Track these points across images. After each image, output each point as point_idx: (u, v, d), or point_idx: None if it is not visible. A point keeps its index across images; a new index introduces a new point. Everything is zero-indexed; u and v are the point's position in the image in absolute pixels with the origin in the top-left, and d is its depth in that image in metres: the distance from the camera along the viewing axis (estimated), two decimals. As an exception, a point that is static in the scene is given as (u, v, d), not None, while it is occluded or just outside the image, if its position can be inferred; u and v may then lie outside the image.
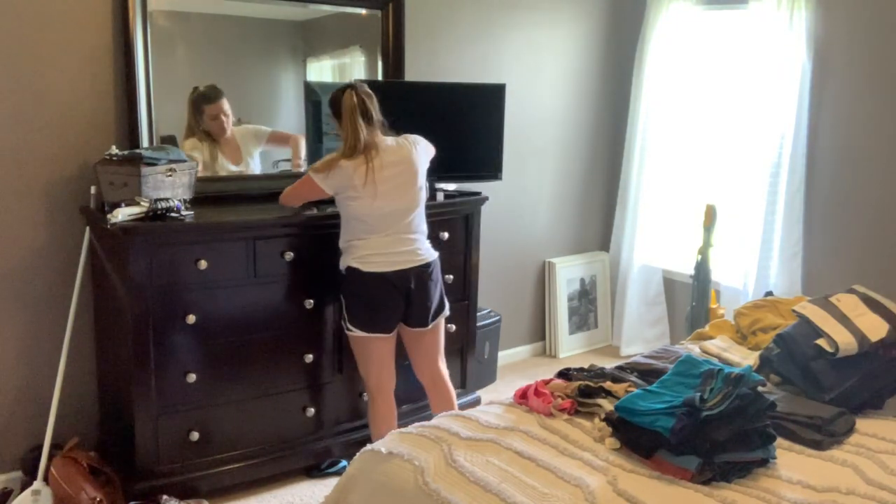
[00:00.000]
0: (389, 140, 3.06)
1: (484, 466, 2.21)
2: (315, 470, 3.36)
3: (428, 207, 3.55)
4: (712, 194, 4.41)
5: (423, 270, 3.08)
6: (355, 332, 3.07)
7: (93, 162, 3.00)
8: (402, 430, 2.49)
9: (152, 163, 2.90)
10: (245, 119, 3.56)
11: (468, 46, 4.19)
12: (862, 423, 2.55)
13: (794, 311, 2.91)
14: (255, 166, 3.56)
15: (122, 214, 2.78)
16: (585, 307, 4.96)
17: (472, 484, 2.13)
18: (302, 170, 3.55)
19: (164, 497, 2.89)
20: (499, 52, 4.32)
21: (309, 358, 3.23)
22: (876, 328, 2.74)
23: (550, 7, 4.50)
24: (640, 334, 4.79)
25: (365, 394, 3.31)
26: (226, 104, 3.40)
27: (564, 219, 4.85)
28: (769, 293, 3.58)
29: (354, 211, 3.00)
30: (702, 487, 2.11)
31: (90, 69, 3.10)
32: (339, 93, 3.02)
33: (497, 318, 4.29)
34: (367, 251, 3.01)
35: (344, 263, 3.07)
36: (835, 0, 3.90)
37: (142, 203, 2.84)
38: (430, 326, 3.18)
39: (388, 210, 3.01)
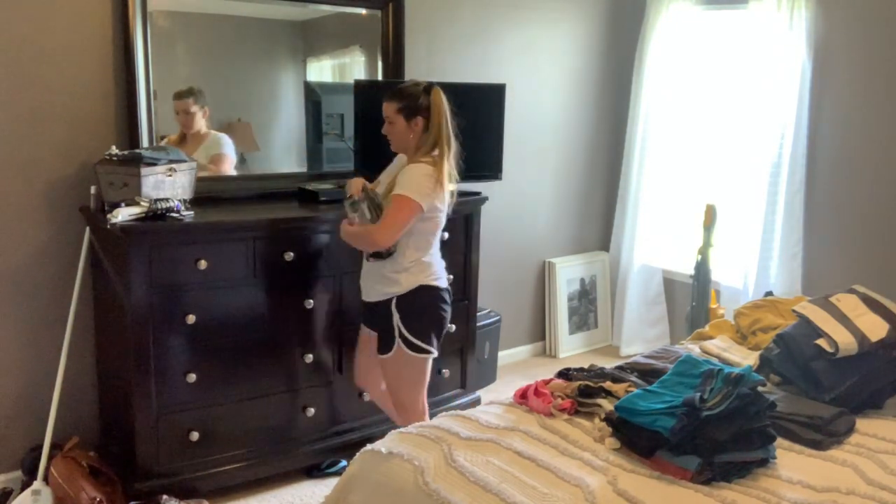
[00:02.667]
0: None
1: (484, 466, 2.21)
2: (315, 470, 3.36)
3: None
4: (712, 194, 4.41)
5: None
6: (433, 354, 2.92)
7: (93, 162, 3.00)
8: (402, 430, 2.49)
9: (152, 163, 2.90)
10: (245, 119, 3.56)
11: (468, 46, 4.19)
12: (862, 423, 2.55)
13: (794, 311, 2.91)
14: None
15: (122, 214, 2.78)
16: (585, 307, 4.96)
17: (472, 484, 2.13)
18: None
19: (164, 497, 2.88)
20: (499, 52, 4.31)
21: (309, 358, 3.23)
22: (876, 328, 2.74)
23: (550, 7, 4.50)
24: (640, 334, 4.79)
25: (404, 417, 3.00)
26: (192, 105, 3.35)
27: (564, 219, 4.85)
28: (769, 293, 3.58)
29: (434, 226, 2.88)
30: (702, 487, 2.11)
31: (90, 69, 3.10)
32: (423, 91, 2.84)
33: (497, 318, 4.29)
34: (437, 266, 2.93)
35: (413, 282, 2.85)
36: (835, 0, 3.90)
37: (142, 203, 2.84)
38: None
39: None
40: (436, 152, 2.83)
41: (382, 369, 3.00)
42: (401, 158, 2.99)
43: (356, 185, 2.89)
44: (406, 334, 2.86)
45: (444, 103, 2.85)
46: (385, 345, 2.92)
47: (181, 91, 3.34)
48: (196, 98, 3.35)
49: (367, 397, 3.44)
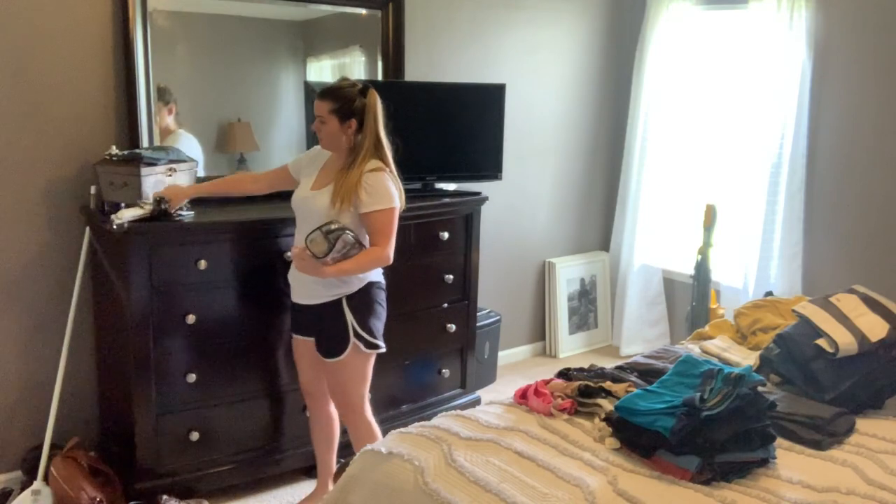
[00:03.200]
0: None
1: (484, 466, 2.21)
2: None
3: (428, 207, 3.57)
4: (712, 194, 4.41)
5: None
6: (382, 349, 2.89)
7: (93, 162, 3.00)
8: (402, 430, 2.49)
9: (152, 163, 2.90)
10: (245, 119, 3.56)
11: (468, 46, 4.19)
12: (862, 423, 2.55)
13: (794, 311, 2.91)
14: None
15: (126, 216, 2.76)
16: (585, 307, 4.96)
17: (471, 484, 2.13)
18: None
19: (164, 497, 2.89)
20: (499, 52, 4.32)
21: (309, 358, 3.23)
22: (876, 328, 2.74)
23: (550, 7, 4.50)
24: (640, 334, 4.79)
25: (354, 417, 2.92)
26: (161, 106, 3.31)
27: (564, 219, 4.85)
28: (769, 293, 3.58)
29: None
30: (702, 487, 2.11)
31: (90, 69, 3.10)
32: (359, 93, 2.78)
33: (497, 318, 4.29)
34: None
35: (363, 280, 2.81)
36: (835, 0, 3.90)
37: (143, 206, 2.82)
38: None
39: None
40: (379, 155, 2.79)
41: (329, 374, 2.88)
42: (321, 152, 2.91)
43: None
44: (361, 332, 2.79)
45: (378, 105, 2.79)
46: (335, 347, 2.80)
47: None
48: (160, 95, 3.29)
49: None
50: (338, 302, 2.78)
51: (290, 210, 3.24)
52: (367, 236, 2.78)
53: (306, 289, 2.83)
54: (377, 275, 2.87)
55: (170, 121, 3.35)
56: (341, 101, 2.76)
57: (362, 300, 2.81)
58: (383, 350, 2.89)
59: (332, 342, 2.81)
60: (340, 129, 2.78)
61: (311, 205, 2.80)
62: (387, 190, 2.75)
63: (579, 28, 4.67)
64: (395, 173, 2.83)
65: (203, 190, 3.04)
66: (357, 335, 2.79)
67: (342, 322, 2.78)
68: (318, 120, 2.79)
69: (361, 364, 2.86)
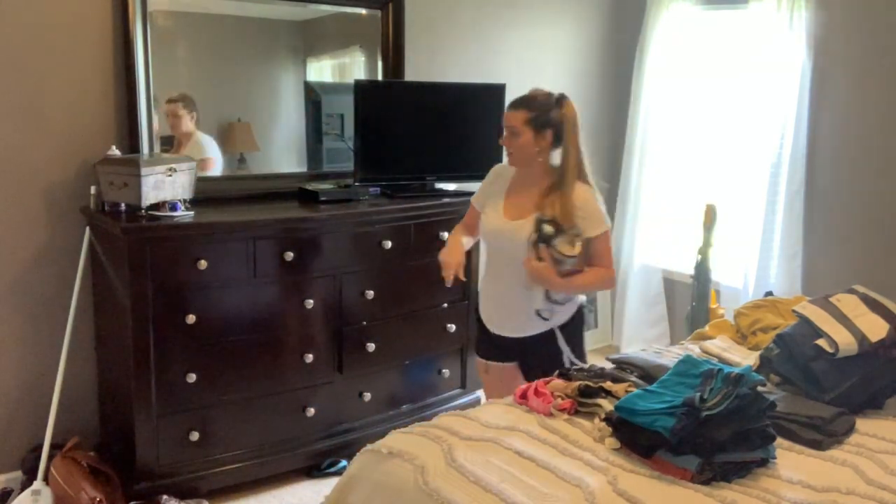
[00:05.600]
0: None
1: (484, 466, 2.21)
2: (315, 470, 3.36)
3: (428, 207, 3.57)
4: (712, 194, 4.40)
5: None
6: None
7: (93, 162, 3.00)
8: (402, 430, 2.49)
9: (152, 162, 2.91)
10: (245, 119, 3.56)
11: (468, 46, 4.19)
12: (862, 423, 2.54)
13: (794, 311, 2.91)
14: None
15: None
16: (585, 307, 4.95)
17: (472, 484, 2.13)
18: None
19: (164, 497, 2.89)
20: (499, 51, 4.31)
21: (309, 358, 3.23)
22: (876, 328, 2.73)
23: (550, 7, 4.50)
24: (640, 334, 4.79)
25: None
26: (180, 108, 3.35)
27: (564, 219, 4.85)
28: (769, 293, 3.57)
29: None
30: (702, 487, 2.11)
31: (90, 69, 3.10)
32: (554, 101, 2.65)
33: (497, 318, 4.28)
34: None
35: (572, 308, 2.73)
36: (835, 0, 3.90)
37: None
38: None
39: None
40: (581, 173, 2.63)
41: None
42: (507, 169, 2.76)
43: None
44: (576, 361, 2.71)
45: (577, 117, 2.64)
46: (545, 373, 2.64)
47: (172, 97, 3.35)
48: (184, 103, 3.36)
49: (367, 398, 3.44)
50: (550, 333, 2.70)
51: (289, 210, 3.25)
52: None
53: (513, 322, 2.72)
54: (578, 298, 2.78)
55: (191, 125, 3.40)
56: (537, 110, 2.63)
57: (577, 328, 2.74)
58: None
59: (542, 369, 2.65)
60: (534, 141, 2.63)
61: (514, 237, 2.63)
62: (599, 212, 2.64)
63: (579, 28, 4.67)
64: (596, 189, 2.69)
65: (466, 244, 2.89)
66: (571, 363, 2.70)
67: (555, 353, 2.70)
68: (508, 132, 2.65)
69: None
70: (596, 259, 2.65)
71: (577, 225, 2.59)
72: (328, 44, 3.87)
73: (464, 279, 2.77)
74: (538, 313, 2.69)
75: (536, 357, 2.75)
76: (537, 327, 2.71)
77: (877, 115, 3.83)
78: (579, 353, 2.76)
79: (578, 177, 2.64)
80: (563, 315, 2.71)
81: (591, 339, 4.95)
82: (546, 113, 2.63)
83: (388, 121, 3.66)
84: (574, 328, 2.75)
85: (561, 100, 2.66)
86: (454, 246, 2.79)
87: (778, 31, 4.00)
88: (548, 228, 2.58)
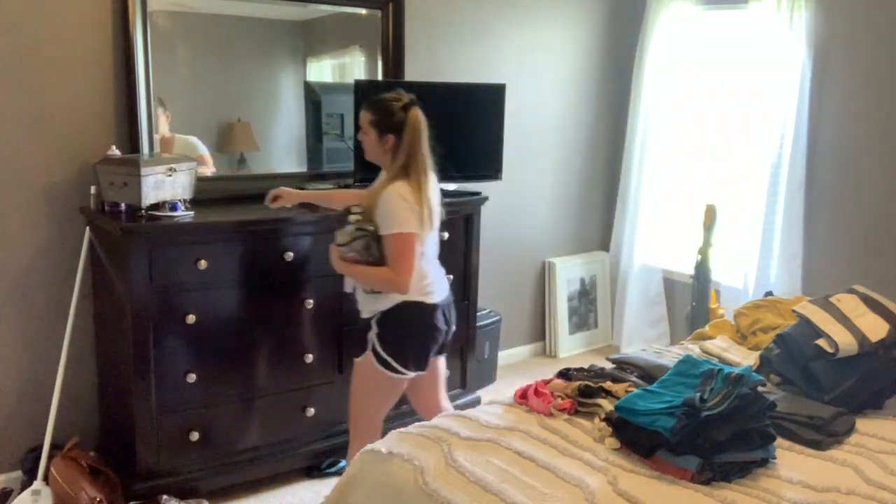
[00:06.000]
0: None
1: (484, 466, 2.21)
2: (315, 470, 3.36)
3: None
4: (712, 194, 4.41)
5: (452, 299, 2.93)
6: (404, 375, 2.77)
7: (93, 162, 3.00)
8: (402, 430, 2.49)
9: (152, 162, 2.91)
10: (245, 119, 3.56)
11: (468, 46, 4.19)
12: (862, 423, 2.55)
13: (794, 311, 2.91)
14: None
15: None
16: (585, 307, 4.96)
17: (471, 484, 2.13)
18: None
19: (164, 497, 2.89)
20: (499, 52, 4.32)
21: (309, 358, 3.23)
22: (876, 328, 2.74)
23: (550, 7, 4.50)
24: (640, 334, 4.79)
25: (354, 430, 2.88)
26: (160, 111, 3.31)
27: (564, 219, 4.85)
28: (769, 293, 3.58)
29: (419, 243, 2.72)
30: (702, 487, 2.11)
31: (90, 69, 3.10)
32: (401, 108, 2.70)
33: (497, 318, 4.29)
34: (428, 280, 2.77)
35: (396, 298, 2.71)
36: (835, 0, 3.90)
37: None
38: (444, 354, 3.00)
39: (434, 236, 2.82)
40: (407, 176, 2.68)
41: (352, 373, 2.87)
42: (384, 173, 2.83)
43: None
44: (379, 350, 2.73)
45: (421, 124, 2.70)
46: (360, 350, 2.81)
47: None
48: (163, 107, 3.31)
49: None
50: (373, 318, 2.77)
51: (289, 210, 3.24)
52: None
53: (361, 304, 2.82)
54: (417, 294, 2.72)
55: (165, 128, 3.35)
56: (380, 114, 2.71)
57: (390, 319, 2.73)
58: (405, 376, 2.78)
59: (360, 343, 2.81)
60: (378, 142, 2.72)
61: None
62: (395, 214, 2.62)
63: (579, 28, 4.67)
64: (428, 192, 2.69)
65: (316, 197, 3.17)
66: (374, 350, 2.74)
67: (367, 335, 2.77)
68: (361, 129, 2.77)
69: (373, 378, 2.78)
70: (386, 259, 2.66)
71: (375, 221, 2.66)
72: (328, 44, 3.87)
73: (287, 206, 3.03)
74: (355, 289, 2.82)
75: (360, 336, 2.81)
76: (370, 311, 2.77)
77: (877, 115, 3.83)
78: (387, 345, 2.72)
79: (407, 179, 2.66)
80: (385, 303, 2.72)
81: (591, 339, 4.97)
82: (389, 118, 2.70)
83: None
84: (391, 318, 2.72)
85: (408, 107, 2.71)
86: (308, 192, 3.13)
87: (778, 31, 4.01)
88: (351, 217, 2.70)
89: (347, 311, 3.32)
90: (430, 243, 2.79)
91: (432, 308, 2.77)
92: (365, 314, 2.80)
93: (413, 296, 2.72)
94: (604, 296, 5.03)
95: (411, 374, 2.79)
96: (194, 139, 3.42)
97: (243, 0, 3.47)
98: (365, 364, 2.78)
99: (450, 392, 3.77)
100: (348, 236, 2.67)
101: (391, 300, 2.72)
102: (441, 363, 3.01)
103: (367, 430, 2.83)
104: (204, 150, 3.43)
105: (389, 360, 2.74)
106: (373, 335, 2.75)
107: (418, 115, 2.71)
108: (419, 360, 2.80)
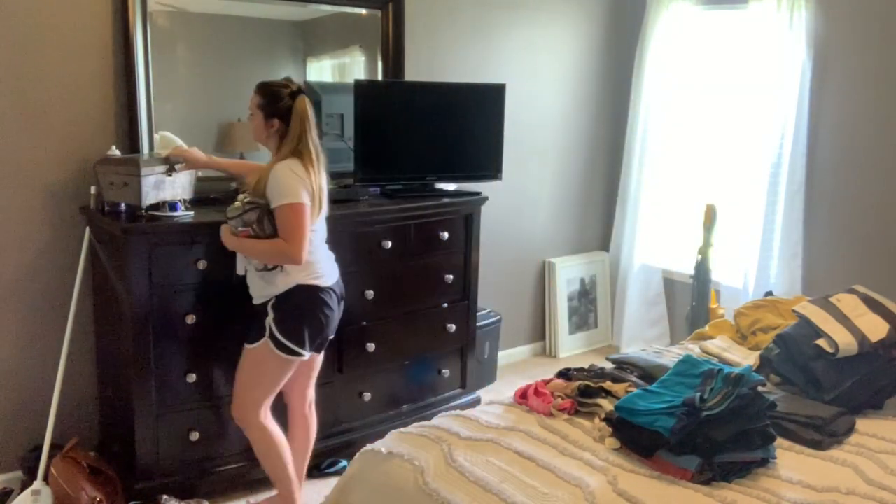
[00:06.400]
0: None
1: (484, 466, 2.22)
2: (315, 470, 3.36)
3: (428, 207, 3.57)
4: (712, 194, 4.41)
5: (342, 282, 2.93)
6: (302, 356, 2.76)
7: (93, 162, 3.00)
8: (402, 430, 2.49)
9: (152, 162, 2.91)
10: (245, 119, 3.55)
11: (468, 46, 4.19)
12: (862, 423, 2.55)
13: (794, 311, 2.91)
14: None
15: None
16: (585, 307, 4.96)
17: (471, 484, 2.13)
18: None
19: (164, 497, 2.89)
20: (499, 52, 4.32)
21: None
22: (876, 328, 2.74)
23: (550, 7, 4.50)
24: (640, 334, 4.79)
25: (245, 416, 2.85)
26: None
27: (564, 219, 4.86)
28: (769, 293, 3.58)
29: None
30: (702, 487, 2.11)
31: (90, 69, 3.10)
32: (287, 92, 2.74)
33: (497, 318, 4.29)
34: (319, 265, 2.78)
35: (290, 282, 2.72)
36: (835, 0, 3.90)
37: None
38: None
39: (323, 220, 2.83)
40: (303, 161, 2.69)
41: (242, 359, 2.82)
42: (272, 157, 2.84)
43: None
44: (277, 335, 2.71)
45: (307, 112, 2.72)
46: (254, 336, 2.76)
47: None
48: None
49: (367, 398, 3.45)
50: (267, 303, 2.75)
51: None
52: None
53: (253, 290, 2.82)
54: (309, 278, 2.74)
55: None
56: (267, 98, 2.76)
57: (286, 302, 2.73)
58: (303, 357, 2.77)
59: (252, 330, 2.78)
60: (264, 125, 2.77)
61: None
62: (285, 186, 2.63)
63: (579, 28, 4.67)
64: (315, 172, 2.70)
65: (219, 165, 3.09)
66: (272, 336, 2.72)
67: (264, 320, 2.74)
68: (250, 111, 2.81)
69: (268, 362, 2.76)
70: (278, 231, 2.67)
71: (267, 196, 2.67)
72: (328, 44, 3.87)
73: (177, 165, 2.91)
74: (247, 272, 2.80)
75: (257, 319, 2.77)
76: (262, 297, 2.77)
77: (877, 115, 3.83)
78: (285, 329, 2.71)
79: (300, 158, 2.69)
80: (278, 287, 2.72)
81: (591, 339, 4.97)
82: (276, 102, 2.73)
83: (388, 121, 3.66)
84: (286, 302, 2.72)
85: (295, 94, 2.74)
86: (216, 160, 3.07)
87: (778, 31, 4.01)
88: (240, 195, 2.74)
89: (347, 312, 3.32)
90: (318, 227, 2.79)
91: (326, 290, 2.78)
92: (257, 300, 2.79)
93: (305, 279, 2.73)
94: (604, 296, 5.03)
95: (307, 355, 2.79)
96: (168, 133, 3.38)
97: (243, 0, 3.47)
98: (258, 350, 2.76)
99: (450, 392, 3.79)
100: (238, 209, 2.69)
101: (284, 284, 2.72)
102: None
103: (258, 414, 2.82)
104: (179, 141, 3.40)
105: (289, 343, 2.72)
106: (270, 321, 2.72)
107: (305, 103, 2.74)
108: (314, 342, 2.80)
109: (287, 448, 2.90)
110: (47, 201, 3.08)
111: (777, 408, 2.43)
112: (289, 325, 2.73)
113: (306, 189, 2.66)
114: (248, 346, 2.80)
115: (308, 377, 3.00)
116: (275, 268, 2.73)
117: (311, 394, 3.05)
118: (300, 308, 2.76)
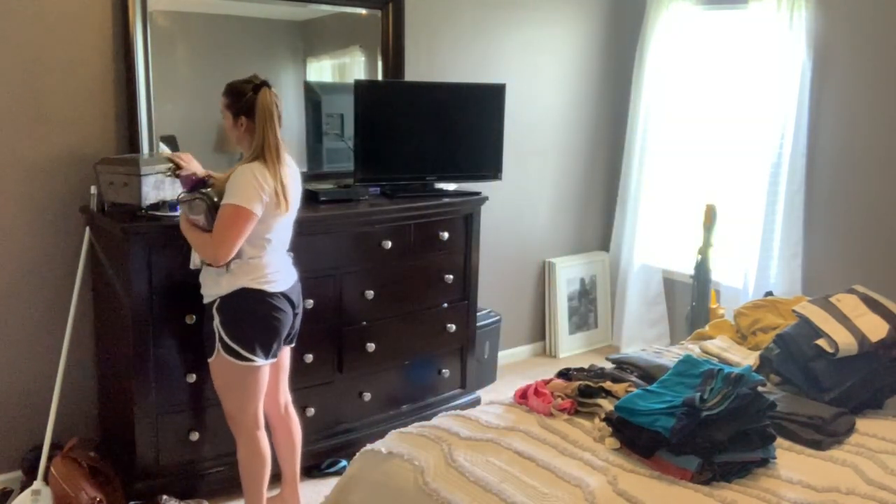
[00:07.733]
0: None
1: (484, 466, 2.22)
2: (315, 470, 3.36)
3: (428, 207, 3.57)
4: (712, 194, 4.41)
5: (300, 286, 2.88)
6: (255, 363, 2.68)
7: (93, 162, 3.00)
8: (402, 430, 2.49)
9: (153, 162, 2.91)
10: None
11: (468, 46, 4.19)
12: (862, 423, 2.55)
13: (794, 311, 2.91)
14: None
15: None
16: (585, 307, 4.96)
17: (471, 484, 2.13)
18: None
19: (164, 497, 2.89)
20: (499, 52, 4.32)
21: (309, 358, 3.23)
22: (876, 328, 2.74)
23: (550, 7, 4.50)
24: (640, 334, 4.79)
25: (234, 426, 2.82)
26: None
27: (564, 219, 4.86)
28: (769, 293, 3.58)
29: (265, 228, 2.65)
30: (702, 487, 2.11)
31: (90, 69, 3.10)
32: (249, 87, 2.66)
33: (497, 318, 4.29)
34: (270, 269, 2.70)
35: (234, 284, 2.64)
36: (835, 0, 3.90)
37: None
38: (293, 344, 2.95)
39: (287, 223, 2.77)
40: (268, 157, 2.63)
41: (211, 375, 2.78)
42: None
43: (185, 162, 2.78)
44: (226, 339, 2.65)
45: (270, 104, 2.65)
46: (209, 348, 2.71)
47: None
48: None
49: (367, 398, 3.45)
50: (212, 304, 2.69)
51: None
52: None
53: (203, 287, 2.75)
54: (255, 281, 2.66)
55: None
56: (232, 97, 2.69)
57: (230, 306, 2.66)
58: (257, 363, 2.69)
59: (206, 340, 2.73)
60: (233, 125, 2.71)
61: None
62: (239, 187, 2.56)
63: (579, 28, 4.67)
64: (278, 173, 2.64)
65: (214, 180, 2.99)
66: (221, 341, 2.66)
67: (212, 325, 2.68)
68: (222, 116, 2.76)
69: (229, 372, 2.71)
70: (213, 226, 2.61)
71: (225, 192, 2.62)
72: (328, 44, 3.87)
73: (181, 168, 2.82)
74: (200, 268, 2.76)
75: (205, 324, 2.72)
76: (207, 295, 2.71)
77: (877, 115, 3.83)
78: (232, 333, 2.65)
79: (265, 162, 2.63)
80: (222, 288, 2.66)
81: (591, 339, 4.97)
82: (239, 99, 2.67)
83: (388, 121, 3.66)
84: (231, 305, 2.65)
85: (258, 88, 2.66)
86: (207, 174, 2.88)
87: (778, 31, 4.01)
88: (205, 188, 2.70)
89: (347, 312, 3.33)
90: (279, 228, 2.72)
91: (274, 296, 2.70)
92: (206, 298, 2.73)
93: (251, 283, 2.66)
94: (604, 296, 5.03)
95: (261, 362, 2.70)
96: (167, 149, 3.37)
97: (243, 0, 3.47)
98: (216, 363, 2.71)
99: (450, 392, 3.79)
100: (190, 196, 2.67)
101: (229, 285, 2.65)
102: (286, 354, 2.95)
103: (247, 424, 2.77)
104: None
105: (236, 347, 2.65)
106: (216, 324, 2.66)
107: (267, 96, 2.65)
108: (266, 347, 2.71)
109: (268, 467, 2.82)
110: (47, 201, 3.08)
111: (777, 408, 2.43)
112: (234, 329, 2.66)
113: (263, 197, 2.58)
114: (209, 361, 2.75)
115: (276, 380, 2.92)
116: (222, 271, 2.65)
117: (284, 396, 2.99)
118: (244, 311, 2.67)
